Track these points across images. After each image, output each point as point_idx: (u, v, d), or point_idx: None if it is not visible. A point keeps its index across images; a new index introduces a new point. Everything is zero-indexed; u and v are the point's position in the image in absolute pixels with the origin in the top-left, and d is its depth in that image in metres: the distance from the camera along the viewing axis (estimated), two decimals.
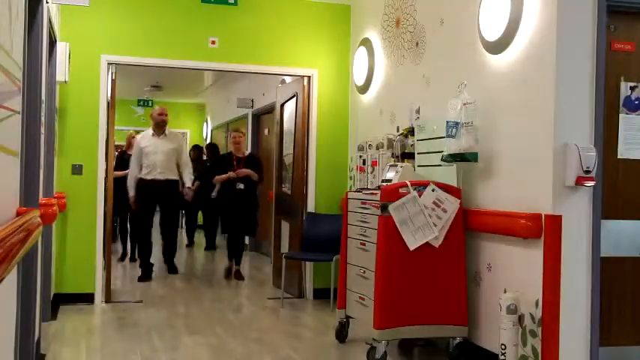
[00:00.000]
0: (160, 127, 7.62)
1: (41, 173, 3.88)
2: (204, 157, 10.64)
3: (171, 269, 7.98)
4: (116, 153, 8.39)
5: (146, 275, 7.48)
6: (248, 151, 8.19)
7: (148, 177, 7.48)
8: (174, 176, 7.66)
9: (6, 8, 2.30)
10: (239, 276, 7.64)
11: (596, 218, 3.75)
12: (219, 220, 8.31)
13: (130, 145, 8.74)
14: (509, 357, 3.68)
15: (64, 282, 5.91)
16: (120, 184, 7.44)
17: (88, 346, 4.67)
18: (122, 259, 8.95)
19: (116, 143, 7.65)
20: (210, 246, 10.61)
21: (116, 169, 7.62)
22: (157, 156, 7.48)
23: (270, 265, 7.95)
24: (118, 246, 9.37)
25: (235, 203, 7.45)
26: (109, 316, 5.65)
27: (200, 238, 11.35)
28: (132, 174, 7.56)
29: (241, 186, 7.43)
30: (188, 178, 7.76)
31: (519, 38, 3.96)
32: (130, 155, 8.04)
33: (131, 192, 7.52)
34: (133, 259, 8.67)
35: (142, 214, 7.62)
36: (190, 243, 11.17)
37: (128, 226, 8.94)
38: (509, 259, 3.98)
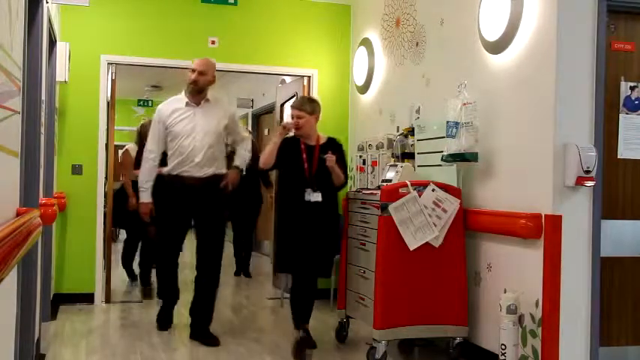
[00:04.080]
0: (197, 95, 4.76)
1: (41, 173, 3.88)
2: None
3: (208, 338, 4.73)
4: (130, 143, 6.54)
5: (165, 323, 5.09)
6: (326, 137, 4.66)
7: (174, 172, 4.72)
8: (220, 169, 4.82)
9: (6, 8, 2.30)
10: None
11: (596, 218, 3.75)
12: (280, 251, 4.67)
13: None
14: (509, 357, 3.68)
15: (64, 282, 5.91)
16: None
17: (88, 346, 4.67)
18: (147, 294, 6.50)
19: (116, 143, 6.81)
20: (241, 271, 7.98)
21: (137, 164, 5.47)
22: (194, 138, 4.68)
23: (270, 265, 7.93)
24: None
25: (309, 226, 4.44)
26: (109, 316, 5.65)
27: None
28: (146, 164, 4.82)
29: (318, 197, 4.42)
30: (242, 156, 4.96)
31: (519, 38, 3.95)
32: None
33: (143, 193, 4.82)
34: (146, 284, 6.68)
35: (165, 234, 4.90)
36: None
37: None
38: (509, 259, 3.98)
